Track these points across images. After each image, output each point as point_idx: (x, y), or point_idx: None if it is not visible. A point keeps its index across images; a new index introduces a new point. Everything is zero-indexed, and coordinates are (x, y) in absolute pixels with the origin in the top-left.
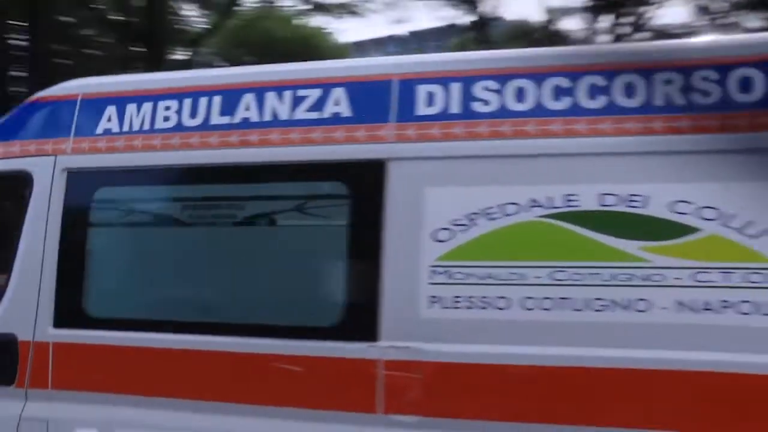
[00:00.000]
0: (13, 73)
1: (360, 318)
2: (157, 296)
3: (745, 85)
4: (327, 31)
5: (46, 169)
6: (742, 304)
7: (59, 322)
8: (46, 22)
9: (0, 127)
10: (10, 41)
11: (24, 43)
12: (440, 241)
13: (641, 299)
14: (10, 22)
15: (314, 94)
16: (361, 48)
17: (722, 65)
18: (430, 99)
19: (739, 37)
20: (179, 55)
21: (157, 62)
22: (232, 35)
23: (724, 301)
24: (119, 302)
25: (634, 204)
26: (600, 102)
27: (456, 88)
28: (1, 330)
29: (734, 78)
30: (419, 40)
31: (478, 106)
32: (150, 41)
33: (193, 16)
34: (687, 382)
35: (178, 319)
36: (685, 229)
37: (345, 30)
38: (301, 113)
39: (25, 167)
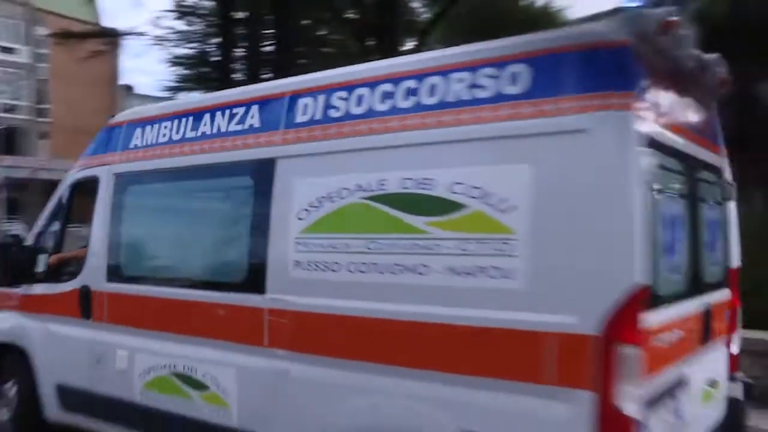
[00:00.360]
0: (263, 76)
1: (256, 277)
2: (149, 261)
3: (505, 82)
4: (555, 8)
5: (105, 174)
6: (492, 270)
7: (109, 278)
8: (290, 28)
9: (90, 146)
10: (261, 49)
11: (271, 48)
12: (300, 219)
13: (423, 265)
14: (263, 31)
15: (241, 111)
16: (590, 22)
17: (496, 63)
18: (305, 109)
19: (505, 40)
20: (409, 45)
21: (389, 54)
22: (458, 22)
23: (480, 267)
24: (133, 265)
25: (424, 186)
26: (409, 102)
27: (321, 99)
28: (83, 283)
29: (502, 76)
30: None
31: (332, 113)
32: (382, 35)
33: (421, 6)
34: (452, 333)
35: (157, 276)
36: (457, 206)
37: (572, 6)
38: (232, 126)
39: (96, 174)
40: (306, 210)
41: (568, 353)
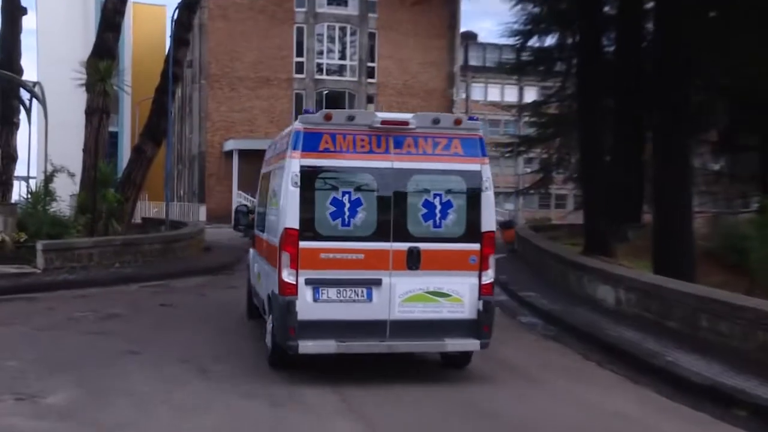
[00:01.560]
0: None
1: (263, 224)
2: (259, 218)
3: (284, 144)
4: None
5: (262, 172)
6: (274, 221)
7: (257, 228)
8: None
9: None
10: None
11: None
12: (267, 197)
13: (272, 219)
14: None
15: (277, 143)
16: None
17: (285, 137)
18: (273, 148)
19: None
20: None
21: None
22: None
23: (273, 219)
24: (256, 220)
25: (277, 187)
26: (273, 150)
27: (273, 145)
28: (254, 231)
29: (284, 141)
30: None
31: (272, 150)
32: None
33: None
34: (269, 246)
35: (258, 227)
36: (276, 195)
37: None
38: (273, 152)
39: (263, 172)
40: (270, 194)
41: (275, 253)
